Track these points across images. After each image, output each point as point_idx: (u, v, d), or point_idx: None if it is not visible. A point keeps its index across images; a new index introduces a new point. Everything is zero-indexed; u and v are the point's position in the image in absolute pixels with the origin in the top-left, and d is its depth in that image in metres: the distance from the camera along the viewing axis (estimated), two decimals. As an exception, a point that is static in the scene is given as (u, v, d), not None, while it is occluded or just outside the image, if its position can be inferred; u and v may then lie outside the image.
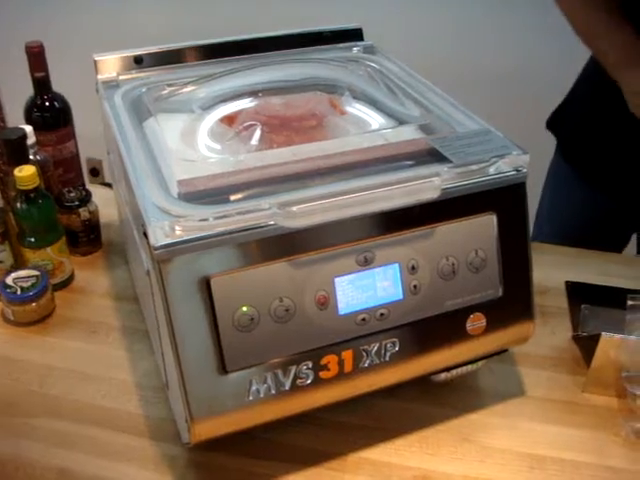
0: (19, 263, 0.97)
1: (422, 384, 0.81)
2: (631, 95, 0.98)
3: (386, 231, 0.69)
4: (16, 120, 1.05)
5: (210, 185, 0.68)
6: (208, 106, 0.84)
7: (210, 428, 0.67)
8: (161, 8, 2.08)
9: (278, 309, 0.66)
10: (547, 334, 0.92)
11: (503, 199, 0.73)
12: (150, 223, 0.62)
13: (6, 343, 0.91)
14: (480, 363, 0.82)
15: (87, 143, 1.30)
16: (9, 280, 0.93)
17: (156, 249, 0.61)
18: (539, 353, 0.90)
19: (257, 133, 0.78)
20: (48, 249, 0.96)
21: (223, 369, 0.65)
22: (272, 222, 0.64)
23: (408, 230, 0.70)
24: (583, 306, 0.94)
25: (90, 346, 0.91)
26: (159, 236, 0.62)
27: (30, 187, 0.91)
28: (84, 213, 1.04)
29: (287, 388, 0.68)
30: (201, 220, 0.63)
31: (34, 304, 0.92)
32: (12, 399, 0.83)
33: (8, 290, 0.92)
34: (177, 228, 0.62)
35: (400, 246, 0.70)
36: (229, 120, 0.81)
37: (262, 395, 0.67)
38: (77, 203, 1.03)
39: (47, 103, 1.06)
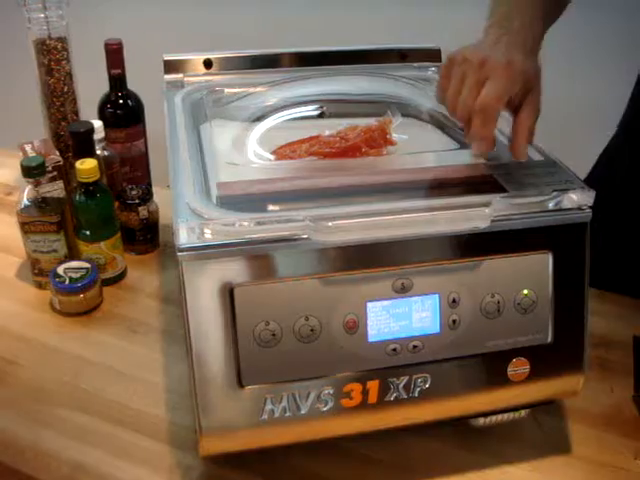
0: (73, 254, 0.98)
1: (459, 426, 0.76)
2: None
3: (427, 258, 0.65)
4: (90, 116, 1.07)
5: (249, 190, 0.66)
6: (264, 115, 0.82)
7: (219, 443, 0.65)
8: (241, 13, 2.05)
9: (303, 328, 0.63)
10: (605, 391, 0.85)
11: (561, 238, 0.67)
12: (179, 223, 0.60)
13: (48, 330, 0.91)
14: (524, 412, 0.76)
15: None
16: (60, 270, 0.94)
17: (180, 250, 0.59)
18: (593, 410, 0.82)
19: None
20: (102, 244, 0.97)
21: (239, 383, 0.63)
22: (305, 235, 0.61)
23: (452, 260, 0.65)
24: (649, 365, 0.86)
25: (128, 345, 0.90)
26: (186, 237, 0.60)
27: (90, 180, 0.92)
28: (143, 212, 1.04)
29: (304, 412, 0.64)
30: (231, 225, 0.60)
31: (81, 296, 0.93)
32: (42, 385, 0.83)
33: (57, 279, 0.92)
34: (207, 231, 0.60)
35: (441, 276, 0.66)
36: (280, 156, 0.76)
37: (277, 415, 0.64)
38: (137, 201, 1.03)
39: (120, 100, 1.08)
